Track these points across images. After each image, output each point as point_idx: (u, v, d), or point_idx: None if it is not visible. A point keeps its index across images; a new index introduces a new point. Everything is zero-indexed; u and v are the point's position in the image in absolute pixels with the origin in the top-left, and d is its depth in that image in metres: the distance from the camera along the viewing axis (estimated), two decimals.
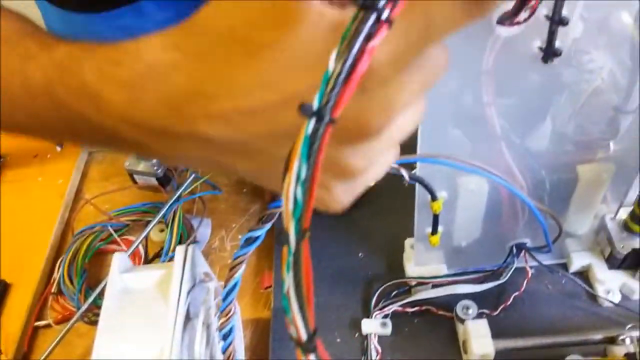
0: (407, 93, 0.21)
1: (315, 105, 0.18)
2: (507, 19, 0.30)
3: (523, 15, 0.29)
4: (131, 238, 0.67)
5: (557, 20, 0.31)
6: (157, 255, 0.64)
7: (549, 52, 0.32)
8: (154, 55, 0.23)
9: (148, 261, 0.64)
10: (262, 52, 0.20)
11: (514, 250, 0.56)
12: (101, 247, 0.66)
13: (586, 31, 0.68)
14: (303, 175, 0.18)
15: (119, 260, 0.45)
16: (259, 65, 0.21)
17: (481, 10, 0.19)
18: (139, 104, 0.23)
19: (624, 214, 0.58)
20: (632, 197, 0.57)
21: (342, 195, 0.24)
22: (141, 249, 0.64)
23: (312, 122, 0.18)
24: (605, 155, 0.59)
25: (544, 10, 0.33)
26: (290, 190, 0.18)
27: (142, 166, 0.69)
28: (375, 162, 0.23)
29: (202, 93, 0.21)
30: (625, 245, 0.55)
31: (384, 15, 0.17)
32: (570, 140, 0.55)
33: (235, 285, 0.39)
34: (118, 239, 0.66)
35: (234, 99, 0.21)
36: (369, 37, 0.18)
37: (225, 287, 0.39)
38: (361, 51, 0.18)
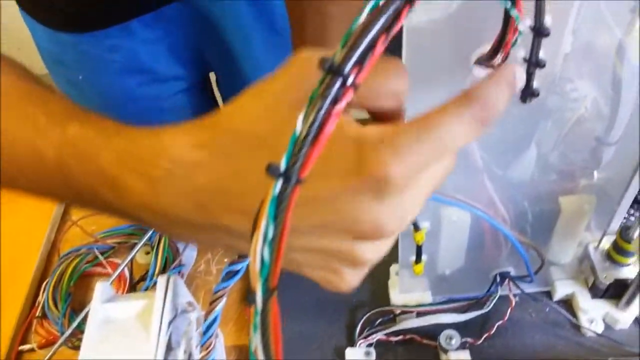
0: (420, 198, 0.22)
1: (282, 166, 0.18)
2: (483, 61, 0.31)
3: (497, 59, 0.29)
4: (117, 260, 0.67)
5: (534, 63, 0.32)
6: (143, 279, 0.64)
7: (527, 93, 0.32)
8: (179, 153, 0.23)
9: (133, 284, 0.64)
10: None
11: (498, 278, 0.56)
12: (87, 270, 0.66)
13: (571, 58, 0.69)
14: (270, 234, 0.18)
15: (101, 290, 0.45)
16: None
17: (488, 123, 0.21)
18: (161, 197, 0.23)
19: (607, 242, 0.58)
20: (615, 226, 0.58)
21: (351, 279, 0.25)
22: (126, 272, 0.64)
23: (280, 182, 0.18)
24: (589, 183, 0.60)
25: (522, 52, 0.34)
26: (258, 250, 0.18)
27: None
28: (383, 250, 0.25)
29: (227, 191, 0.22)
30: (608, 275, 0.56)
31: (349, 81, 0.18)
32: (554, 169, 0.56)
33: (215, 319, 0.39)
34: (104, 262, 0.66)
35: (258, 195, 0.21)
36: (335, 101, 0.18)
37: (205, 320, 0.39)
38: (328, 114, 0.18)
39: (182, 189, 0.23)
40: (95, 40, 0.64)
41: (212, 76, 0.81)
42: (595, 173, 0.60)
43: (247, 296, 0.18)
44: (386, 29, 0.18)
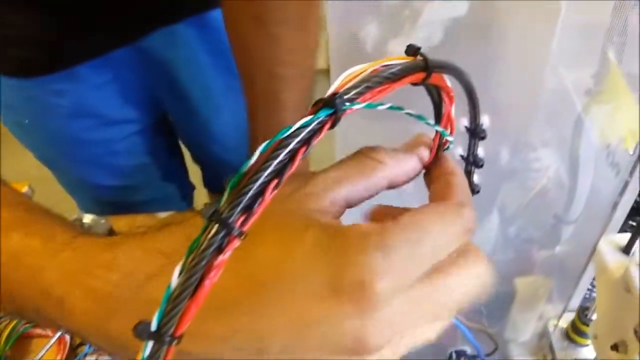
0: (413, 314, 0.20)
1: (153, 326, 0.16)
2: None
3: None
4: None
5: (471, 162, 0.31)
6: (83, 342, 0.61)
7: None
8: (132, 263, 0.21)
9: (73, 348, 0.61)
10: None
11: (454, 356, 0.54)
12: (26, 331, 0.62)
13: (534, 124, 0.68)
14: None
15: None
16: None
17: (470, 235, 0.20)
18: (111, 320, 0.21)
19: (567, 320, 0.57)
20: (575, 302, 0.56)
21: None
22: (67, 335, 0.61)
23: (150, 345, 0.16)
24: (550, 255, 0.59)
25: (460, 149, 0.33)
26: None
27: None
28: None
29: None
30: (567, 354, 0.54)
31: (235, 231, 0.16)
32: (512, 246, 0.55)
33: None
34: None
35: (215, 309, 0.19)
36: (218, 251, 0.16)
37: None
38: (209, 266, 0.16)
39: (134, 308, 0.21)
40: (42, 85, 0.62)
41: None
42: (557, 247, 0.59)
43: None
44: (278, 172, 0.17)
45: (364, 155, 0.23)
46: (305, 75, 0.49)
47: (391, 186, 0.24)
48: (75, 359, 0.60)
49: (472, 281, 0.20)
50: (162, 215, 0.67)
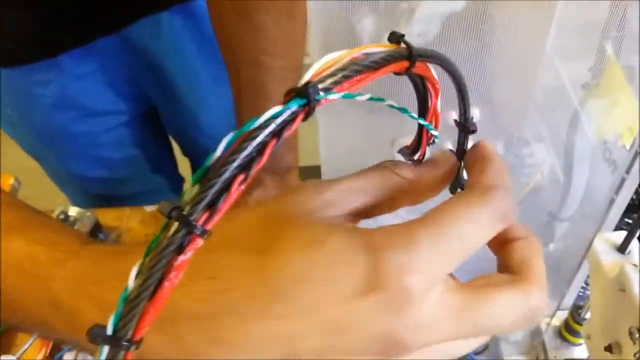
0: (446, 326, 0.19)
1: (109, 329, 0.15)
2: (405, 154, 0.28)
3: (416, 155, 0.27)
4: None
5: (461, 156, 0.29)
6: None
7: (455, 187, 0.30)
8: None
9: (57, 343, 0.60)
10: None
11: None
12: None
13: (529, 119, 0.67)
14: None
15: None
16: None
17: (507, 220, 0.19)
18: None
19: (561, 318, 0.56)
20: (569, 300, 0.55)
21: None
22: None
23: (105, 350, 0.15)
24: (544, 252, 0.58)
25: (449, 145, 0.32)
26: None
27: None
28: None
29: (196, 315, 0.19)
30: (559, 354, 0.53)
31: (197, 229, 0.15)
32: None
33: None
34: None
35: (230, 318, 0.18)
36: (178, 251, 0.15)
37: None
38: (168, 266, 0.15)
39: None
40: (26, 75, 0.61)
41: None
42: (551, 245, 0.58)
43: None
44: (245, 166, 0.15)
45: (387, 169, 0.23)
46: (292, 67, 0.48)
47: (412, 204, 0.23)
48: (59, 354, 0.59)
49: (518, 310, 0.19)
50: (150, 208, 0.66)
